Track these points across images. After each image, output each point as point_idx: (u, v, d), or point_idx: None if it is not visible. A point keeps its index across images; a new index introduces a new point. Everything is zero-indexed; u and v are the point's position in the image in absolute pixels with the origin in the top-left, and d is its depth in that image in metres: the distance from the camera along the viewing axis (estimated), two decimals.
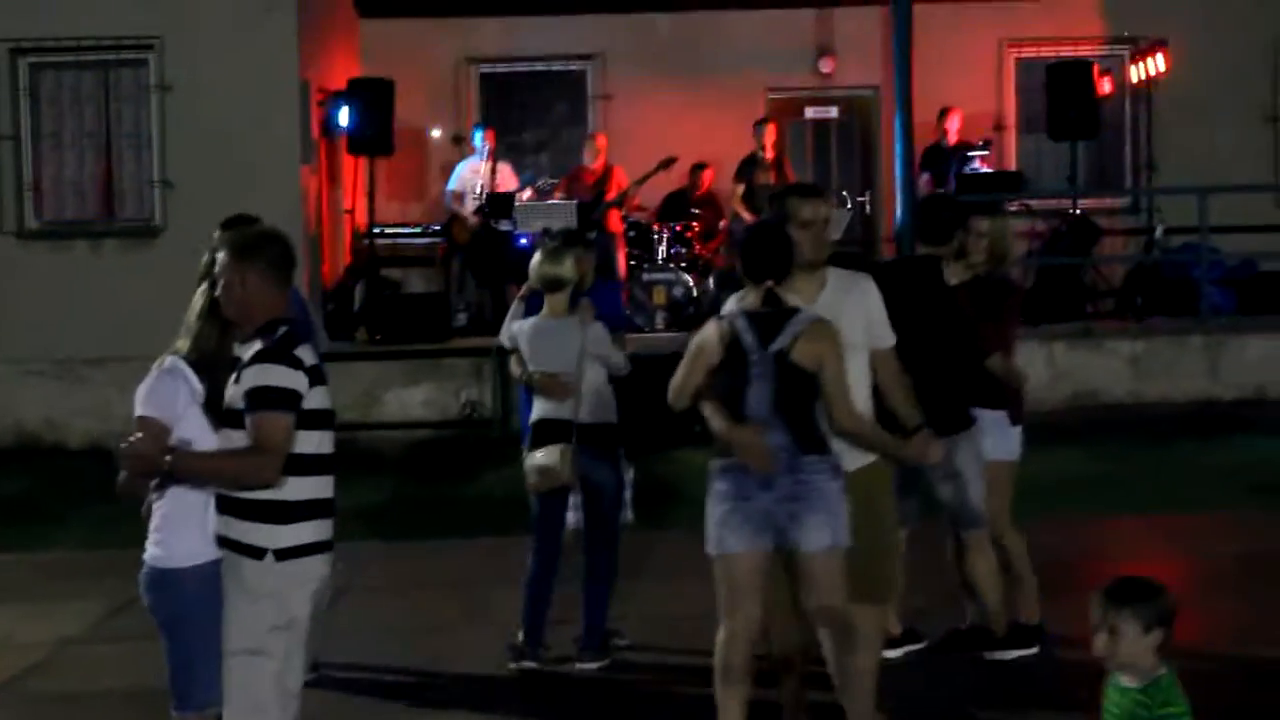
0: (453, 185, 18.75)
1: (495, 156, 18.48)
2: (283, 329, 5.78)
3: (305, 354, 5.77)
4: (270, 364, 5.68)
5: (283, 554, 5.71)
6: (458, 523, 12.84)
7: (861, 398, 6.99)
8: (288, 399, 5.66)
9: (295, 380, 5.69)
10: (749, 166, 18.46)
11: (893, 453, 7.09)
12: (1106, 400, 16.76)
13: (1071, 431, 15.58)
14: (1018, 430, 8.83)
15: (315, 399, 5.76)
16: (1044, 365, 16.68)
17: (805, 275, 6.99)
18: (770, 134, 18.50)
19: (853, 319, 6.97)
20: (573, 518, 8.87)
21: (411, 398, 16.35)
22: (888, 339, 7.15)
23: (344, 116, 18.15)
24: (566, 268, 8.79)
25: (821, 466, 6.70)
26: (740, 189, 18.39)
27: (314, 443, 5.77)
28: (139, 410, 5.86)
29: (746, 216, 18.34)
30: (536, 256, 8.94)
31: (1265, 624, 9.23)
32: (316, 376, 5.79)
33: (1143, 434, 15.40)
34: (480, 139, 18.65)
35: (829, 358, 6.69)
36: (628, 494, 9.14)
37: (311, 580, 5.78)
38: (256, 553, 5.71)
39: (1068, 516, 12.12)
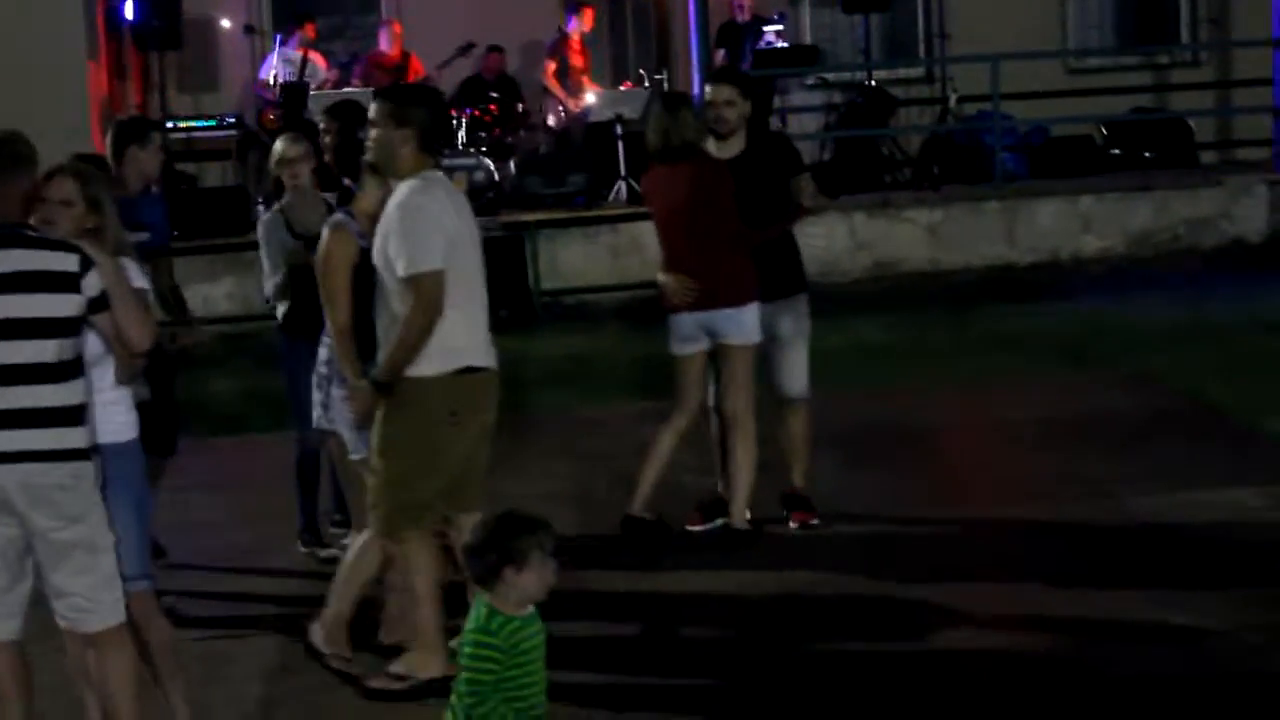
0: (263, 75, 18.43)
1: (307, 46, 18.20)
2: None
3: None
4: None
5: None
6: (269, 417, 12.71)
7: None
8: None
9: None
10: (561, 46, 18.41)
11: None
12: (907, 269, 17.00)
13: (873, 300, 15.82)
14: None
15: None
16: (845, 236, 16.90)
17: None
18: (589, 16, 18.47)
19: None
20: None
21: (215, 292, 16.12)
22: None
23: (129, 9, 17.72)
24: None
25: None
26: (552, 67, 18.36)
27: None
28: None
29: (559, 94, 18.36)
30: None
31: (1061, 480, 9.47)
32: None
33: (943, 301, 15.65)
34: (295, 33, 18.32)
35: None
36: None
37: None
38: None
39: (870, 386, 12.30)
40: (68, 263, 5.63)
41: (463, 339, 6.71)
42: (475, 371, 6.76)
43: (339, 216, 7.13)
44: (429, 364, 6.62)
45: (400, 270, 6.55)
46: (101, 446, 5.80)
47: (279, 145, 8.57)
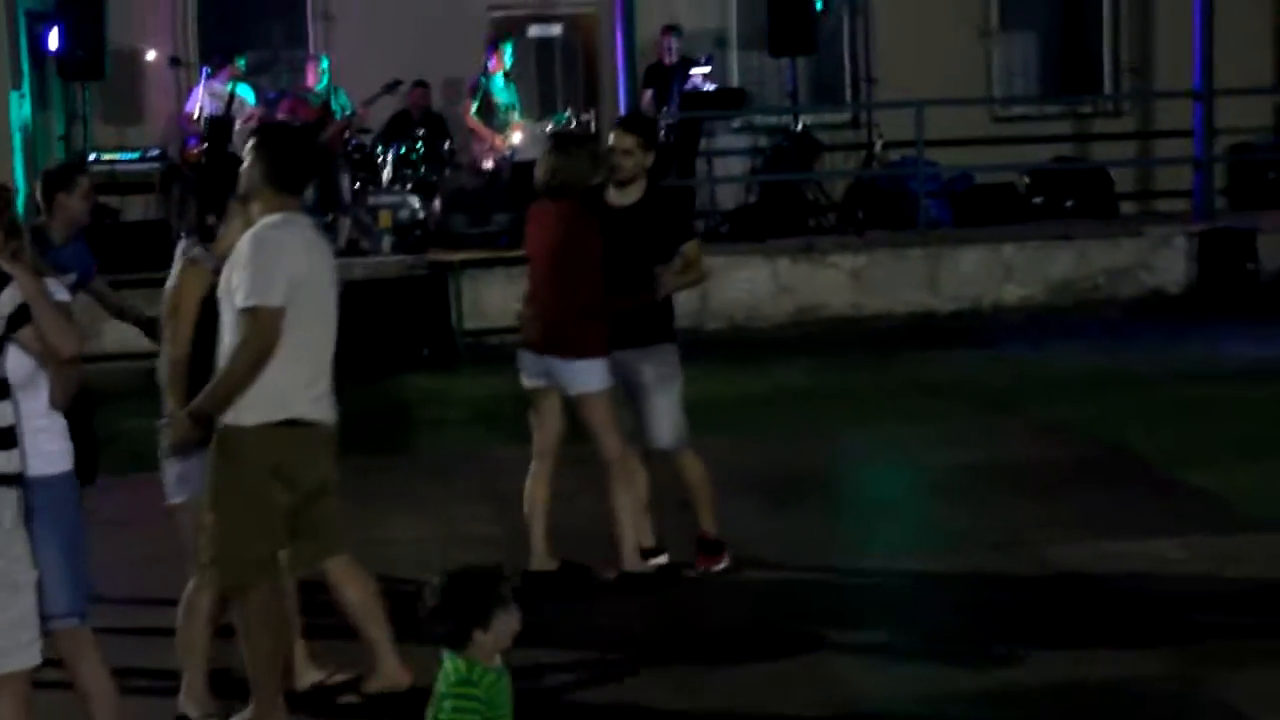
0: (189, 108, 18.33)
1: (234, 80, 18.12)
2: None
3: None
4: None
5: None
6: None
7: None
8: None
9: None
10: (483, 84, 18.38)
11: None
12: (829, 314, 17.04)
13: (795, 345, 15.87)
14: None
15: None
16: (768, 280, 16.94)
17: None
18: (504, 55, 18.45)
19: None
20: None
21: (131, 329, 15.90)
22: None
23: (53, 38, 17.60)
24: None
25: None
26: (472, 105, 18.32)
27: None
28: None
29: (481, 132, 18.32)
30: None
31: (980, 529, 9.49)
32: None
33: (865, 347, 15.71)
34: (221, 67, 18.23)
35: None
36: None
37: None
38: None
39: (789, 431, 12.30)
40: None
41: (292, 389, 6.45)
42: (303, 425, 6.51)
43: (196, 250, 6.95)
44: (251, 412, 6.39)
45: (238, 300, 6.36)
46: (29, 477, 5.67)
47: None
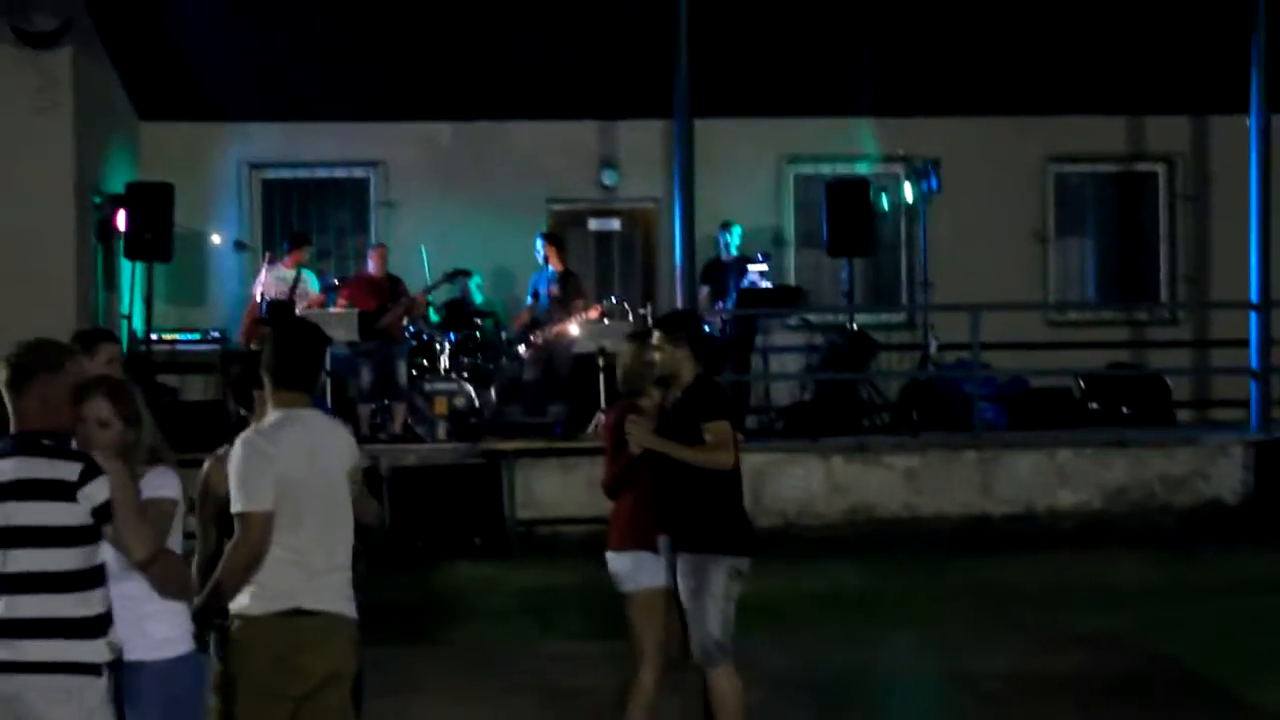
0: (253, 291, 18.54)
1: (300, 266, 18.32)
2: None
3: None
4: None
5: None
6: None
7: None
8: None
9: None
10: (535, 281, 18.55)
11: None
12: (882, 514, 16.96)
13: (846, 545, 15.80)
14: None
15: None
16: (821, 478, 16.90)
17: None
18: (551, 250, 18.56)
19: None
20: None
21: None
22: None
23: (121, 221, 17.90)
24: None
25: None
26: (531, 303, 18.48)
27: None
28: None
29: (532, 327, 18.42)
30: None
31: None
32: None
33: (916, 548, 15.63)
34: (287, 251, 18.45)
35: None
36: None
37: None
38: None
39: (837, 632, 12.22)
40: (67, 471, 5.62)
41: (292, 581, 6.43)
42: (306, 614, 6.47)
43: (223, 448, 6.92)
44: (256, 602, 6.41)
45: (233, 506, 6.44)
46: (132, 660, 5.74)
47: None
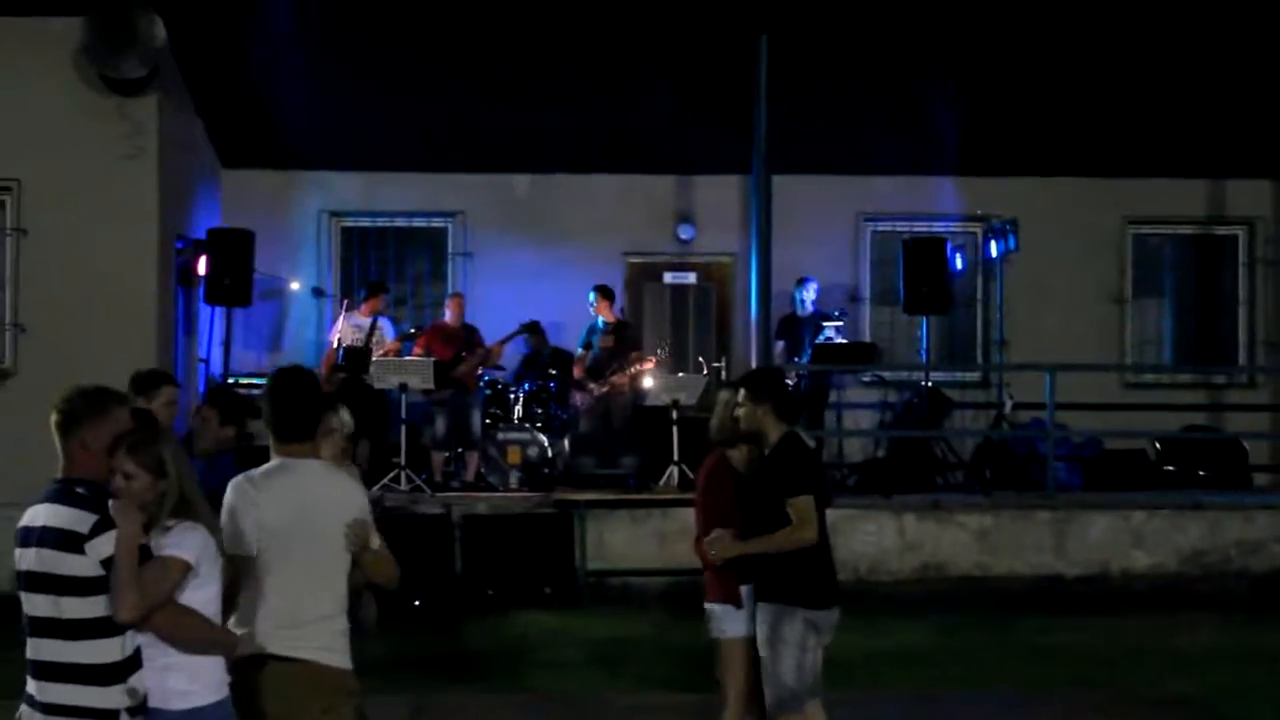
0: (329, 337, 18.70)
1: (376, 314, 18.45)
2: None
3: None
4: None
5: None
6: None
7: None
8: None
9: None
10: (590, 333, 18.64)
11: None
12: (954, 573, 16.90)
13: (918, 603, 15.73)
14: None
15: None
16: (894, 535, 16.84)
17: None
18: (602, 302, 18.64)
19: None
20: None
21: None
22: None
23: (203, 266, 18.10)
24: None
25: None
26: (581, 354, 18.58)
27: None
28: None
29: (586, 381, 18.46)
30: None
31: None
32: None
33: (988, 608, 15.54)
34: (364, 299, 18.59)
35: None
36: None
37: None
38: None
39: (906, 690, 12.16)
40: (80, 523, 5.73)
41: (264, 626, 6.47)
42: (279, 661, 6.46)
43: None
44: (242, 646, 6.40)
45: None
46: (155, 708, 5.84)
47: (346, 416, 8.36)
